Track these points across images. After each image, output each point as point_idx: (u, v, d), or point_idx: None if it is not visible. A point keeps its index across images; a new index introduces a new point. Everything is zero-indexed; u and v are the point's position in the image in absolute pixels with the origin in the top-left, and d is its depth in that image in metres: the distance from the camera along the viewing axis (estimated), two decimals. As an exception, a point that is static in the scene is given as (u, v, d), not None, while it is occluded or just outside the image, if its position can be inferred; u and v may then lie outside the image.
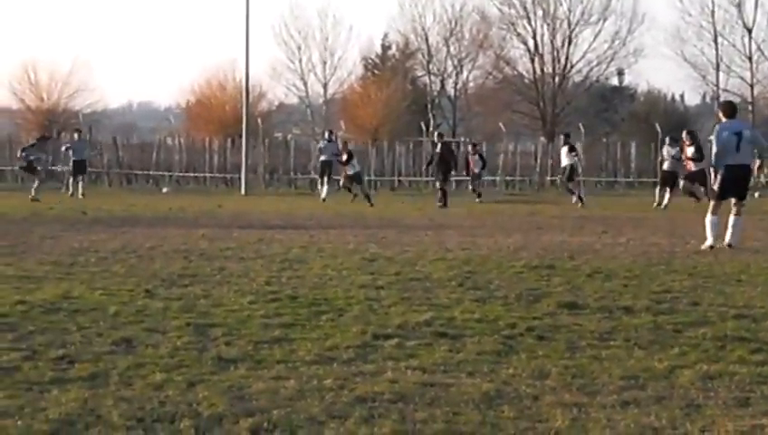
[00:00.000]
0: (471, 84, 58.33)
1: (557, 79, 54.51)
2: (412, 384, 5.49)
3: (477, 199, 29.43)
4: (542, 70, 54.39)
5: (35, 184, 27.82)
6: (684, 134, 25.05)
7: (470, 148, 33.60)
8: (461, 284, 9.38)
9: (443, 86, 57.80)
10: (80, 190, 29.19)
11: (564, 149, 27.79)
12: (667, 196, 25.06)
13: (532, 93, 54.61)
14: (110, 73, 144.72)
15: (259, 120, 42.99)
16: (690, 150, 24.05)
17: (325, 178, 29.76)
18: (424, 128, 45.31)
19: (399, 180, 41.73)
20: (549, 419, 4.83)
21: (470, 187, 32.34)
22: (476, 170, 31.34)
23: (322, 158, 30.59)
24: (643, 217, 20.72)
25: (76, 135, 31.44)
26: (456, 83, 58.09)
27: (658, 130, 38.38)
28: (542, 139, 46.78)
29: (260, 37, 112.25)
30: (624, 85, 60.25)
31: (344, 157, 28.58)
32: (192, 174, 41.93)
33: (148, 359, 6.01)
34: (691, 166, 24.09)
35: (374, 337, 6.74)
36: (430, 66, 57.53)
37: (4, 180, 40.42)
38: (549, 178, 40.19)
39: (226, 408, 4.95)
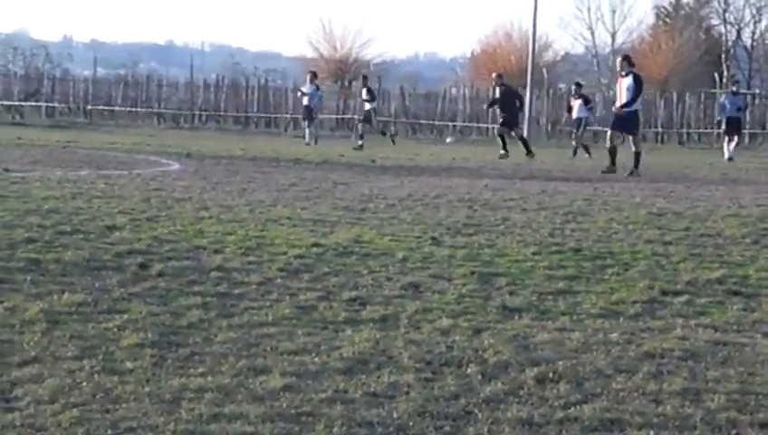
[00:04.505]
0: (769, 34, 55.24)
1: None
2: (703, 342, 5.33)
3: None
4: None
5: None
6: None
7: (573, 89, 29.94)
8: (756, 241, 8.93)
9: (739, 36, 55.07)
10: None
11: None
12: None
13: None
14: (399, 25, 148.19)
15: (544, 71, 42.61)
16: None
17: (308, 122, 29.96)
18: (717, 79, 43.24)
19: (689, 133, 40.16)
20: None
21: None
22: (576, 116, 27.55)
23: (305, 102, 30.18)
24: None
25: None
26: (753, 33, 55.23)
27: None
28: None
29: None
30: None
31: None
32: (475, 124, 42.25)
33: (434, 304, 6.17)
34: None
35: (662, 293, 6.59)
36: (726, 15, 54.95)
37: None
38: None
39: (512, 356, 5.00)
